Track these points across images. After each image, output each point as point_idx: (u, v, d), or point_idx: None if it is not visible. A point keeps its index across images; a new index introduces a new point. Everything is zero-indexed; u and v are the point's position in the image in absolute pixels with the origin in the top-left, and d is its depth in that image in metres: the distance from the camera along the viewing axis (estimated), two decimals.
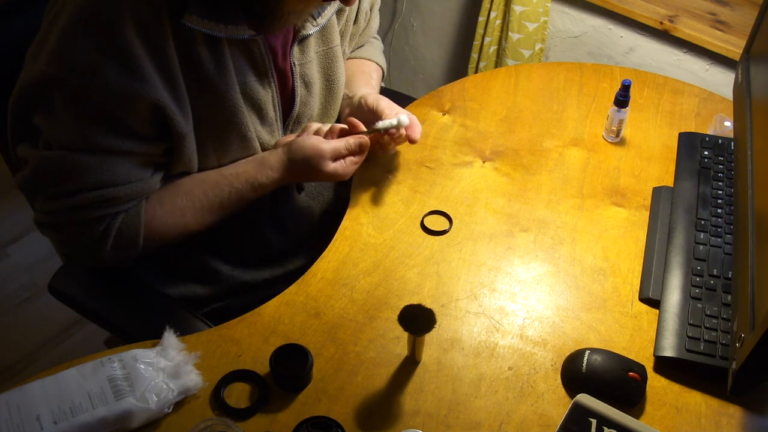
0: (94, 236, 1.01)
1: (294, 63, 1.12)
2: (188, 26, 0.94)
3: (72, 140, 0.95)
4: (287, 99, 1.14)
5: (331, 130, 1.12)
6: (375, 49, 1.38)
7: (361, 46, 1.36)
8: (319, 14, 1.11)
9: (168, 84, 0.95)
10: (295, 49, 1.11)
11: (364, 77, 1.30)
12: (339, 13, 1.20)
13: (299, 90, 1.14)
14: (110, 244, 1.01)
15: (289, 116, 1.15)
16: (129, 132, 0.96)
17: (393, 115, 1.13)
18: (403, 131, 1.14)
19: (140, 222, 1.02)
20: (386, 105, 1.16)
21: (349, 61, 1.32)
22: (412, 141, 1.15)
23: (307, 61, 1.14)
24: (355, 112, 1.21)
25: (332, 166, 1.08)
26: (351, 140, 1.10)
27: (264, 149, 1.12)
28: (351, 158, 1.10)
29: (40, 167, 0.98)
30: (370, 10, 1.32)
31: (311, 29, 1.11)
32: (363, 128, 1.12)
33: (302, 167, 1.08)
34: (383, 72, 1.38)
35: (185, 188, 1.06)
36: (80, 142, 0.95)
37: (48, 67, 0.92)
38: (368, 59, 1.35)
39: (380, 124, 1.12)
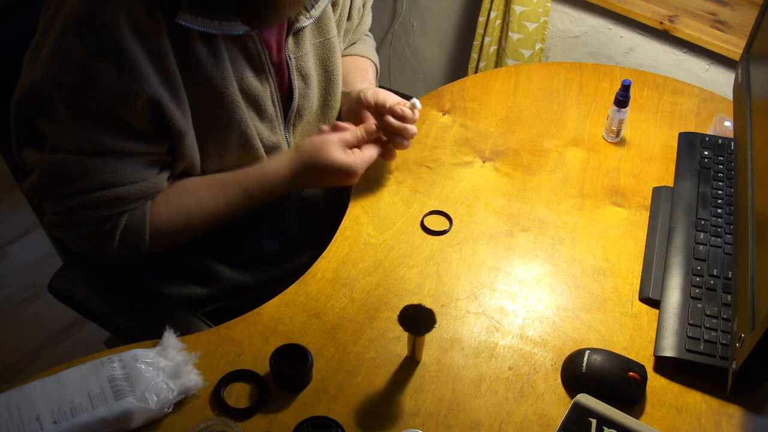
0: (100, 235, 1.02)
1: (289, 56, 1.11)
2: (182, 25, 0.94)
3: (76, 142, 0.96)
4: (286, 93, 1.14)
5: (337, 128, 1.12)
6: (368, 46, 1.38)
7: (353, 44, 1.36)
8: (312, 6, 1.11)
9: (165, 81, 0.95)
10: (290, 41, 1.11)
11: (359, 73, 1.30)
12: (333, 5, 1.20)
13: (296, 83, 1.14)
14: (116, 242, 1.02)
15: (290, 110, 1.15)
16: (131, 132, 0.97)
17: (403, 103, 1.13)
18: (417, 114, 1.13)
19: (145, 221, 1.02)
20: (385, 96, 1.15)
21: (344, 58, 1.32)
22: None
23: (303, 54, 1.14)
24: (354, 107, 1.20)
25: (342, 154, 1.07)
26: (358, 128, 1.10)
27: (265, 147, 1.11)
28: (364, 149, 1.10)
29: (47, 171, 0.98)
30: (363, 7, 1.32)
31: (305, 22, 1.11)
32: (373, 121, 1.11)
33: (311, 161, 1.07)
34: (377, 68, 1.38)
35: (191, 187, 1.07)
36: (84, 144, 0.96)
37: (47, 71, 0.92)
38: (362, 56, 1.35)
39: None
